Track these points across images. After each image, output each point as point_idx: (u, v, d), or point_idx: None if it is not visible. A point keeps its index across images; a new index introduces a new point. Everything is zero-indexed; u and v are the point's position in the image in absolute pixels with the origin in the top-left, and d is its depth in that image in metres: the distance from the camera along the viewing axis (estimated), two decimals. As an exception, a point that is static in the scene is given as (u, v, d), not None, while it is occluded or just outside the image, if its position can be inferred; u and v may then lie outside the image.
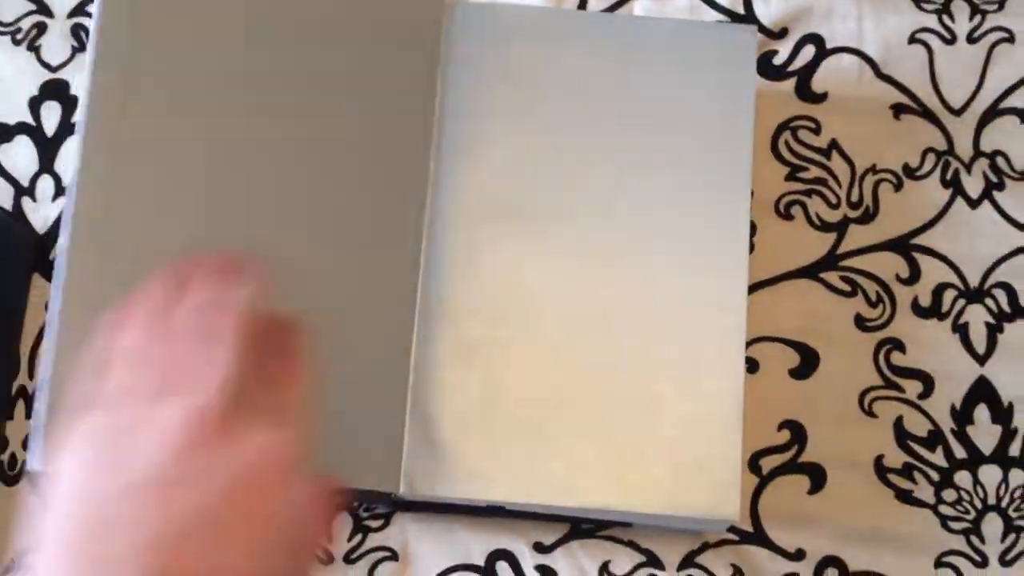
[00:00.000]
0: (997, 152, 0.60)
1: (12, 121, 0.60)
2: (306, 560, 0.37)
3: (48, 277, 0.58)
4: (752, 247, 0.59)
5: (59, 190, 0.59)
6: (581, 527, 0.56)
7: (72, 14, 0.62)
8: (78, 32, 0.62)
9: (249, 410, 0.36)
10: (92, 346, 0.38)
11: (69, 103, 0.60)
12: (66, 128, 0.60)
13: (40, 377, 0.43)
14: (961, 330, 0.58)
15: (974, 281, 0.58)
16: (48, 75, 0.61)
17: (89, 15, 0.62)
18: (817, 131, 0.60)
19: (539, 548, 0.55)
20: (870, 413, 0.57)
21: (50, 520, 0.34)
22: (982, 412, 0.57)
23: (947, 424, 0.57)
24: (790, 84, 0.61)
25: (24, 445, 0.56)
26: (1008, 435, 0.57)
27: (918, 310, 0.58)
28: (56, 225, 0.59)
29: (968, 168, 0.60)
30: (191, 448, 0.34)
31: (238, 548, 0.34)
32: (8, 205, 0.59)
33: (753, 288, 0.58)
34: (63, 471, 0.35)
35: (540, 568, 0.55)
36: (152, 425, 0.35)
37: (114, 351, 0.38)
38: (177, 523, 0.33)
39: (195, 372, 0.36)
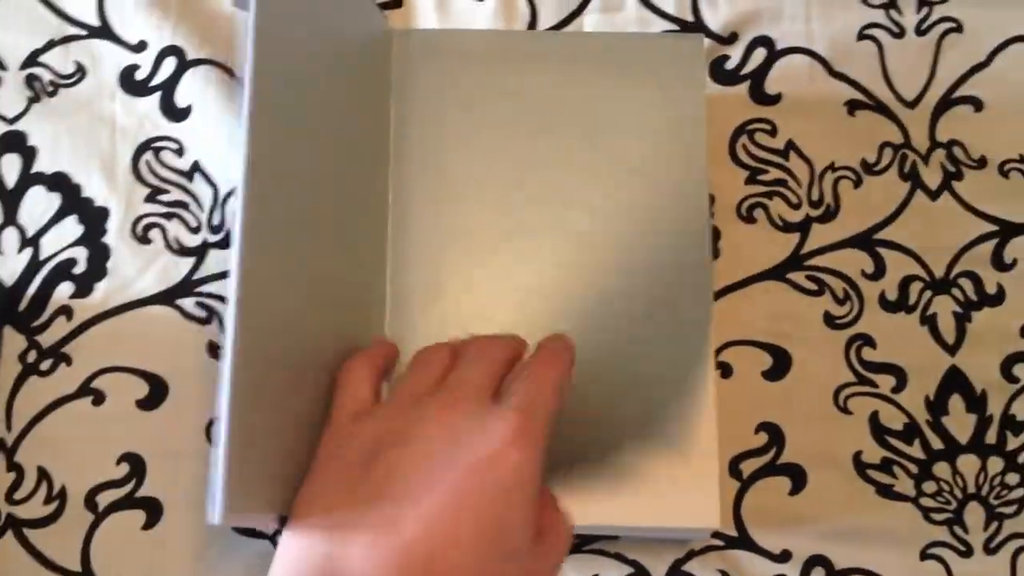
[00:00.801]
0: (953, 142, 0.61)
1: (-29, 176, 0.61)
2: None
3: (18, 328, 0.57)
4: (717, 252, 0.59)
5: (24, 242, 0.59)
6: (566, 543, 0.55)
7: (24, 65, 0.62)
8: (32, 82, 0.62)
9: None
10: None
11: (28, 154, 0.60)
12: (26, 179, 0.60)
13: (221, 431, 0.41)
14: (930, 321, 0.58)
15: (939, 272, 0.59)
16: (5, 127, 0.61)
17: (41, 65, 0.62)
18: (773, 133, 0.61)
19: (526, 568, 0.55)
20: (845, 410, 0.57)
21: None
22: (956, 402, 0.57)
23: (922, 416, 0.57)
24: (744, 88, 0.62)
25: (7, 497, 0.55)
26: (983, 423, 0.57)
27: (886, 304, 0.58)
28: (23, 277, 0.58)
29: (925, 160, 0.60)
30: (440, 419, 0.42)
31: (464, 506, 0.40)
32: (-28, 260, 0.59)
33: (721, 292, 0.58)
34: (338, 446, 0.43)
35: (528, 587, 0.55)
36: (413, 408, 0.44)
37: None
38: (425, 486, 0.40)
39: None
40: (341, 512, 0.41)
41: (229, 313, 0.42)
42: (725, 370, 0.57)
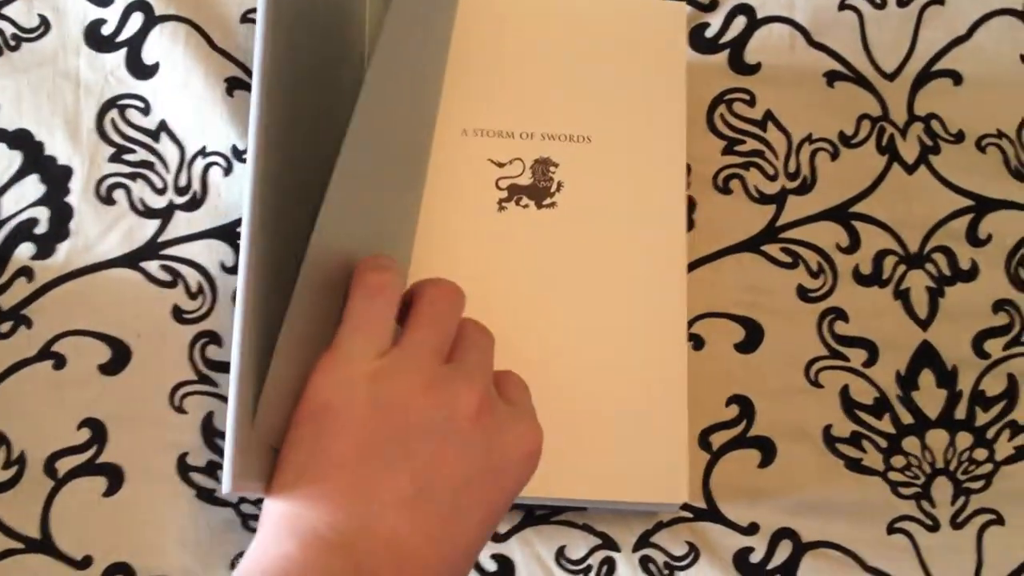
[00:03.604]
0: (931, 115, 0.60)
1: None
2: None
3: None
4: (692, 223, 0.58)
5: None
6: (535, 513, 0.55)
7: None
8: (-7, 36, 0.60)
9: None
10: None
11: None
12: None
13: (231, 401, 0.42)
14: (903, 296, 0.58)
15: (914, 246, 0.59)
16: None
17: (2, 17, 0.60)
18: (752, 103, 0.60)
19: (493, 537, 0.55)
20: (816, 383, 0.57)
21: (332, 440, 0.41)
22: (927, 377, 0.57)
23: (893, 391, 0.57)
24: (723, 56, 0.61)
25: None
26: (953, 398, 0.57)
27: (859, 278, 0.58)
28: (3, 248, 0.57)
29: (903, 133, 0.60)
30: (477, 419, 0.42)
31: (474, 518, 0.42)
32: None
33: (695, 264, 0.58)
34: (348, 400, 0.42)
35: (496, 557, 0.55)
36: (447, 387, 0.42)
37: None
38: (445, 473, 0.41)
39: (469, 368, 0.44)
40: (370, 491, 0.41)
41: (241, 269, 0.43)
42: (697, 342, 0.57)
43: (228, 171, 0.58)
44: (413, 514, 0.41)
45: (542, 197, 0.54)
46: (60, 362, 0.55)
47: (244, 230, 0.45)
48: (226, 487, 0.41)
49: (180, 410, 0.55)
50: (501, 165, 0.54)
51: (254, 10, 0.60)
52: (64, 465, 0.54)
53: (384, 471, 0.41)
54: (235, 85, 0.59)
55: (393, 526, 0.40)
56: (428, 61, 0.54)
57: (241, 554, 0.54)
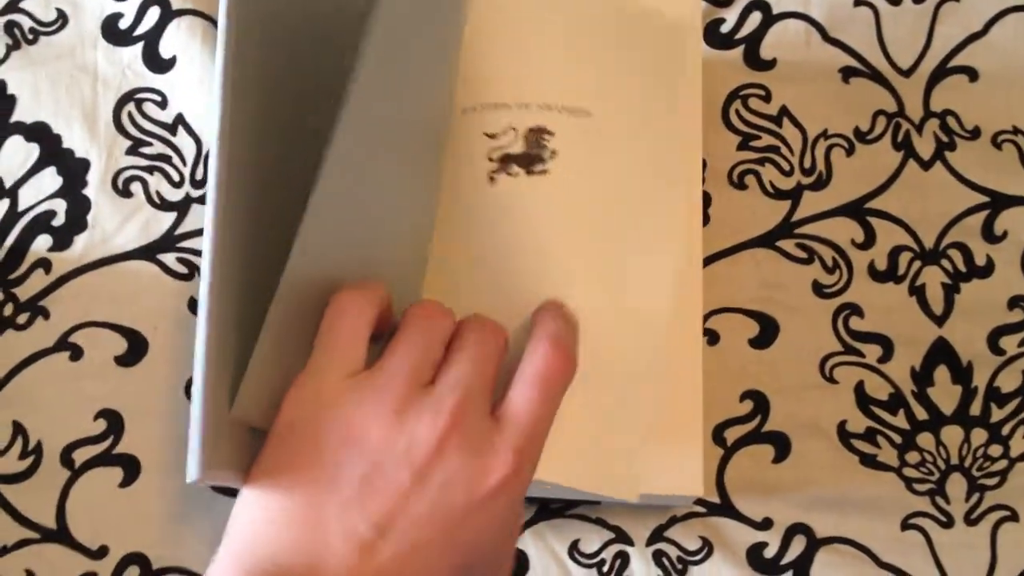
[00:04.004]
0: (947, 112, 0.60)
1: (-52, 123, 0.59)
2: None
3: (-6, 280, 0.57)
4: (707, 218, 0.58)
5: (1, 192, 0.58)
6: (549, 507, 0.55)
7: (4, 11, 0.60)
8: (11, 29, 0.60)
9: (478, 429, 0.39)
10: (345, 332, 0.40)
11: (6, 102, 0.59)
12: (5, 129, 0.59)
13: (196, 387, 0.40)
14: (918, 292, 0.58)
15: (929, 243, 0.58)
16: (-17, 75, 0.60)
17: (21, 11, 0.60)
18: (767, 99, 0.60)
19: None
20: (831, 379, 0.57)
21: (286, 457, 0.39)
22: (942, 373, 0.57)
23: (908, 387, 0.57)
24: (738, 52, 0.61)
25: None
26: (968, 395, 0.57)
27: (875, 274, 0.58)
28: (1, 227, 0.57)
29: (919, 129, 0.60)
30: (439, 457, 0.38)
31: (438, 559, 0.38)
32: (-51, 209, 0.58)
33: (710, 259, 0.58)
34: (310, 419, 0.39)
35: (509, 551, 0.55)
36: (412, 417, 0.39)
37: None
38: (401, 511, 0.38)
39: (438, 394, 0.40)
40: (321, 525, 0.38)
41: (204, 264, 0.41)
42: (712, 337, 0.57)
43: (244, 164, 0.58)
44: (367, 553, 0.37)
45: (533, 163, 0.52)
46: (77, 353, 0.55)
47: (209, 210, 0.43)
48: (192, 474, 0.39)
49: (196, 402, 0.55)
50: (494, 136, 0.53)
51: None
52: (81, 456, 0.54)
53: (338, 504, 0.38)
54: (252, 79, 0.59)
55: (340, 561, 0.37)
56: (433, 58, 0.52)
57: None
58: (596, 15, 0.55)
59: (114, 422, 0.55)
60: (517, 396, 0.41)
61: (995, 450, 0.56)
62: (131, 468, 0.54)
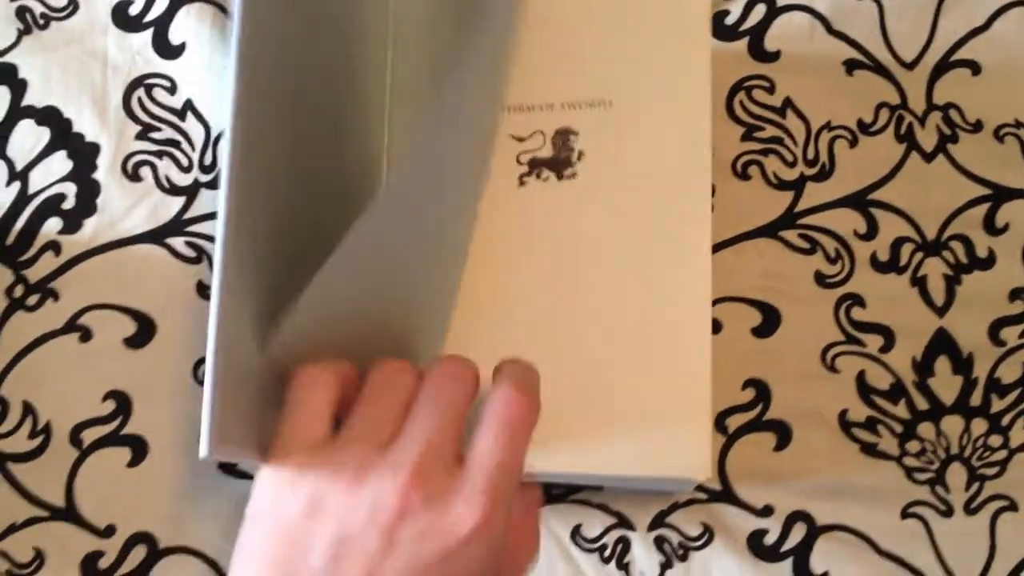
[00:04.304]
0: (950, 105, 0.60)
1: (-41, 107, 0.60)
2: None
3: (6, 262, 0.57)
4: (711, 208, 0.58)
5: (12, 175, 0.58)
6: (552, 492, 0.56)
7: (16, -4, 0.61)
8: (23, 14, 0.61)
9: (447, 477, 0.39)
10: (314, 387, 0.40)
11: (18, 86, 0.60)
12: (16, 113, 0.59)
13: (208, 362, 0.40)
14: (920, 283, 0.58)
15: (931, 234, 0.59)
16: (-6, 60, 0.60)
17: (33, -3, 0.61)
18: (771, 90, 0.61)
19: (510, 516, 0.55)
20: (832, 368, 0.57)
21: (251, 536, 0.39)
22: (943, 363, 0.57)
23: (909, 377, 0.57)
24: (743, 44, 0.61)
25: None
26: (969, 385, 0.57)
27: (877, 265, 0.59)
28: (11, 211, 0.58)
29: (922, 122, 0.60)
30: (403, 516, 0.37)
31: None
32: (-41, 193, 0.59)
33: (714, 249, 0.58)
34: (276, 497, 0.38)
35: (511, 535, 0.55)
36: (372, 481, 0.38)
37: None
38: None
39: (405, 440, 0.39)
40: None
41: (217, 239, 0.41)
42: (715, 326, 0.57)
43: (252, 150, 0.58)
44: None
45: (563, 168, 0.54)
46: (86, 335, 0.56)
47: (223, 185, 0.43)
48: (204, 450, 0.39)
49: (203, 383, 0.55)
50: (522, 140, 0.54)
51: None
52: (89, 436, 0.55)
53: None
54: (261, 66, 0.59)
55: None
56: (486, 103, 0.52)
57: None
58: (610, 11, 0.55)
59: (122, 403, 0.55)
60: (481, 442, 0.39)
61: (995, 440, 0.57)
62: (139, 449, 0.55)
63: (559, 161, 0.54)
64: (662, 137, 0.54)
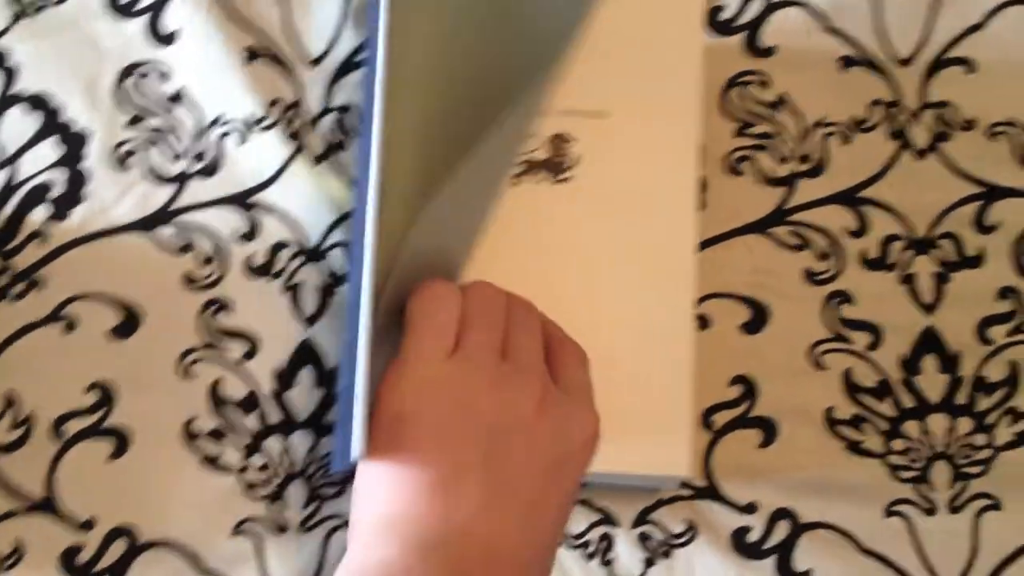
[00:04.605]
0: (944, 102, 0.60)
1: (-50, 92, 0.60)
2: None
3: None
4: (702, 204, 0.58)
5: (2, 162, 0.58)
6: (536, 487, 0.56)
7: (8, -19, 0.61)
8: None
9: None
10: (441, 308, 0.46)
11: (10, 71, 0.59)
12: (7, 98, 0.59)
13: (359, 374, 0.45)
14: (909, 281, 0.58)
15: (921, 232, 0.59)
16: (-14, 44, 0.60)
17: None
18: (766, 86, 0.60)
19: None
20: (820, 366, 0.57)
21: (413, 432, 0.43)
22: (929, 362, 0.57)
23: (895, 374, 0.57)
24: (739, 39, 0.61)
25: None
26: (955, 383, 0.57)
27: (866, 262, 0.58)
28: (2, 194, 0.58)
29: (915, 119, 0.60)
30: (541, 412, 0.44)
31: (552, 508, 0.44)
32: (-50, 178, 0.59)
33: (704, 244, 0.58)
34: (422, 400, 0.44)
35: (496, 528, 0.55)
36: (511, 385, 0.44)
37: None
38: (520, 467, 0.43)
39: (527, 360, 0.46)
40: (464, 492, 0.43)
41: (367, 263, 0.46)
42: (703, 322, 0.57)
43: (243, 140, 0.58)
44: (500, 512, 0.42)
45: (557, 171, 0.54)
46: (71, 325, 0.56)
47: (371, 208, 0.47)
48: (356, 452, 0.44)
49: (188, 376, 0.56)
50: None
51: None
52: (71, 427, 0.55)
53: (467, 471, 0.43)
54: (254, 54, 0.59)
55: (484, 520, 0.42)
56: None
57: (244, 521, 0.55)
58: (603, 15, 0.55)
59: (106, 395, 0.55)
60: (572, 372, 0.48)
61: (980, 439, 0.57)
62: (121, 441, 0.55)
63: (553, 164, 0.54)
64: (653, 143, 0.54)
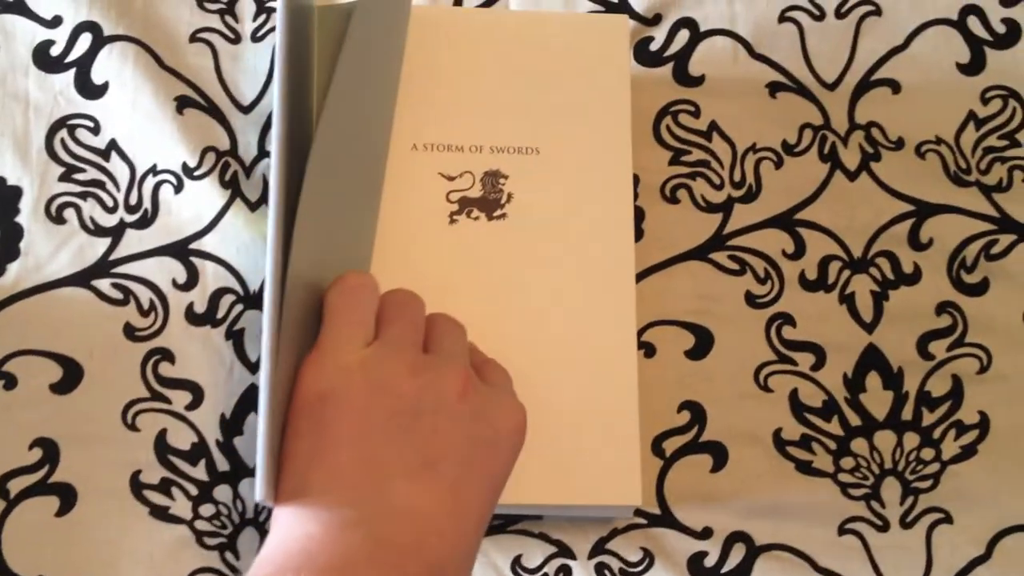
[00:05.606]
0: (872, 123, 0.61)
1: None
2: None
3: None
4: (641, 233, 0.59)
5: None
6: (491, 523, 0.55)
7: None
8: (-60, 58, 0.60)
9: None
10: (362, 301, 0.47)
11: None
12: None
13: (261, 420, 0.44)
14: (848, 300, 0.59)
15: (857, 251, 0.60)
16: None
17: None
18: (697, 114, 0.61)
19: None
20: (766, 388, 0.58)
21: (336, 422, 0.43)
22: (873, 379, 0.58)
23: (840, 393, 0.58)
24: (667, 69, 0.62)
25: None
26: (900, 400, 0.58)
27: (805, 284, 0.59)
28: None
29: (845, 141, 0.61)
30: (464, 397, 0.45)
31: (478, 488, 0.44)
32: None
33: (645, 273, 0.58)
34: (349, 385, 0.44)
35: (452, 568, 0.55)
36: (432, 370, 0.45)
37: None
38: (443, 446, 0.44)
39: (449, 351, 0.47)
40: (385, 466, 0.43)
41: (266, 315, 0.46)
42: (648, 350, 0.58)
43: (179, 188, 0.58)
44: (423, 484, 0.43)
45: (492, 209, 0.55)
46: (11, 382, 0.55)
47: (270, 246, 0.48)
48: (259, 495, 0.43)
49: (133, 428, 0.55)
50: (451, 179, 0.55)
51: (203, 29, 0.61)
52: (16, 485, 0.54)
53: (388, 446, 0.43)
54: (185, 103, 0.59)
55: (406, 495, 0.42)
56: (382, 82, 0.55)
57: (197, 571, 0.54)
58: (531, 52, 0.56)
59: (49, 451, 0.54)
60: (496, 378, 0.49)
61: (927, 453, 0.57)
62: (67, 497, 0.54)
63: (488, 202, 0.54)
64: (587, 176, 0.55)
